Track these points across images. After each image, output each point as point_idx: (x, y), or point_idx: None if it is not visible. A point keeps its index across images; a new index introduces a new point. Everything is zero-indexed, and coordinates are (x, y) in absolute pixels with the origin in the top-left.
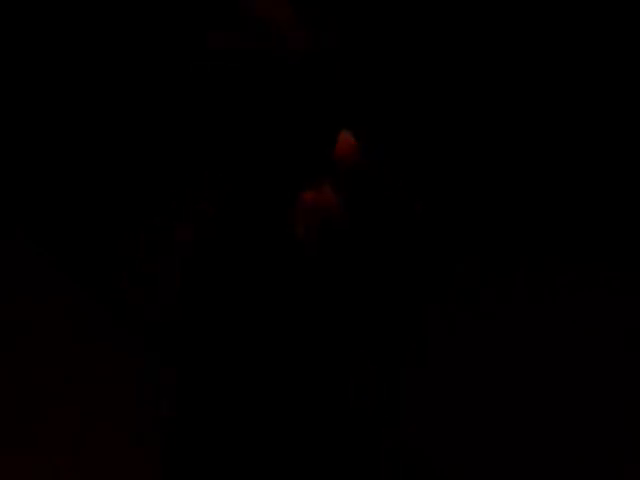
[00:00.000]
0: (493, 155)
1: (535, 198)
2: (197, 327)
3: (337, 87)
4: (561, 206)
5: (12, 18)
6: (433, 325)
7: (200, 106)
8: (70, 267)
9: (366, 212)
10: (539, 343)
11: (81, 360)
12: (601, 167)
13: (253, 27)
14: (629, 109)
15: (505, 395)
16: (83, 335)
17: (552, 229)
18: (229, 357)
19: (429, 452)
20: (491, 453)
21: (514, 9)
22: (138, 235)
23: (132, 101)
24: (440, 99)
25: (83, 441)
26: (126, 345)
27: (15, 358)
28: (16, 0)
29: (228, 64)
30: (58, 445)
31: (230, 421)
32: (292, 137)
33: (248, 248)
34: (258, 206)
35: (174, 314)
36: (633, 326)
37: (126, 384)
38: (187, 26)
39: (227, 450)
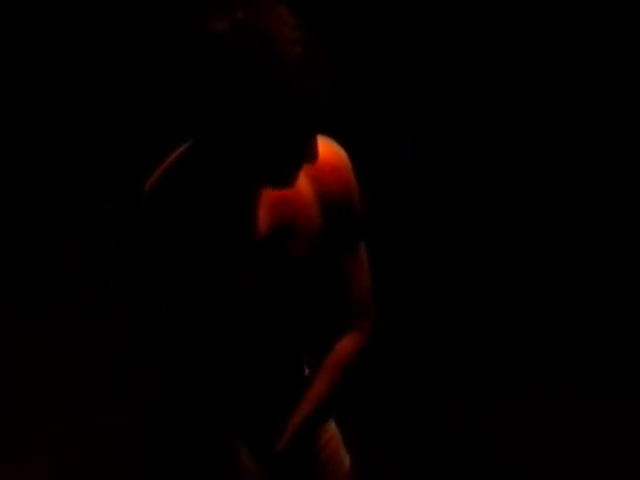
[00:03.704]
0: (494, 155)
1: (535, 198)
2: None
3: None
4: (562, 206)
5: None
6: (435, 324)
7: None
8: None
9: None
10: (537, 341)
11: (80, 360)
12: (601, 167)
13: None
14: (629, 109)
15: (503, 394)
16: (81, 336)
17: (552, 229)
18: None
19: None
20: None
21: (514, 9)
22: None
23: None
24: (441, 98)
25: (82, 441)
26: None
27: (15, 358)
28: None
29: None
30: (57, 445)
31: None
32: (269, 133)
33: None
34: (220, 191)
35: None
36: (632, 326)
37: (126, 383)
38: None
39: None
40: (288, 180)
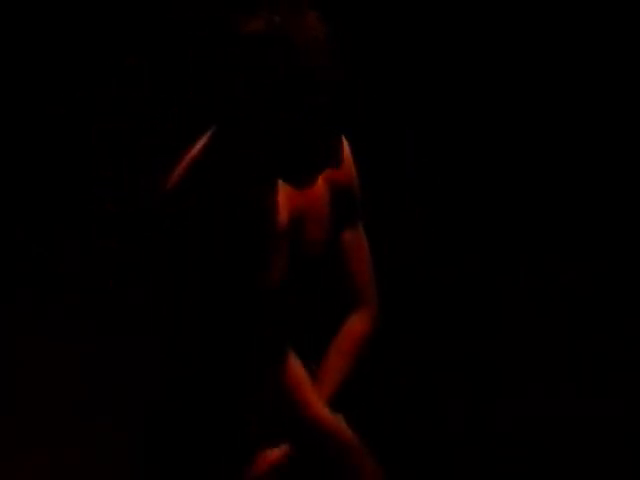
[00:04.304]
0: (494, 155)
1: (535, 198)
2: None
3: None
4: (562, 206)
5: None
6: (435, 324)
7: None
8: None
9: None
10: (537, 341)
11: (80, 360)
12: (601, 167)
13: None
14: (629, 109)
15: (503, 394)
16: (83, 335)
17: (552, 229)
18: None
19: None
20: None
21: (514, 9)
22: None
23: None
24: (441, 98)
25: (82, 441)
26: (126, 345)
27: (15, 358)
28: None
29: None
30: (58, 445)
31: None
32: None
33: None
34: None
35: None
36: (632, 326)
37: (126, 383)
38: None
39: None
40: (309, 182)
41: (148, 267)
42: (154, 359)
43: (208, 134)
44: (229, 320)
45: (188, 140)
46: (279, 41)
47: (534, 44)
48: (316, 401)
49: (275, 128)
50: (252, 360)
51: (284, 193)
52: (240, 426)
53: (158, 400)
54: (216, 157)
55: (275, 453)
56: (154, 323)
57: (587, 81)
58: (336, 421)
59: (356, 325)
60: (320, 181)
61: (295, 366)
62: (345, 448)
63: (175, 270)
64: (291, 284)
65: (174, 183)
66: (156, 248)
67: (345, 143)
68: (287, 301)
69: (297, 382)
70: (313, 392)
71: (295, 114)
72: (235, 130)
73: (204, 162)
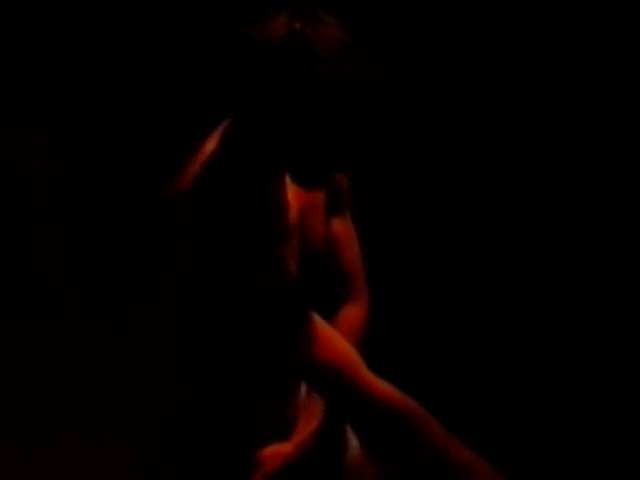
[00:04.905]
0: (492, 156)
1: (536, 198)
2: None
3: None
4: (562, 207)
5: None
6: (434, 323)
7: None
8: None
9: None
10: (537, 341)
11: (89, 370)
12: (600, 168)
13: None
14: (630, 112)
15: (503, 395)
16: (90, 345)
17: (552, 229)
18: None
19: None
20: None
21: (513, 10)
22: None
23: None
24: (440, 99)
25: (82, 443)
26: (131, 354)
27: (24, 369)
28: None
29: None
30: (57, 446)
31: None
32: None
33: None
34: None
35: None
36: (632, 325)
37: (133, 392)
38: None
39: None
40: (320, 185)
41: (160, 264)
42: (159, 359)
43: (218, 133)
44: (244, 319)
45: (195, 139)
46: (300, 47)
47: (533, 51)
48: (370, 375)
49: (292, 133)
50: (270, 355)
51: (290, 189)
52: (253, 423)
53: (165, 400)
54: (231, 158)
55: (287, 448)
56: (164, 323)
57: (585, 89)
58: (396, 391)
59: (352, 313)
60: None
61: (339, 344)
62: (412, 416)
63: (188, 269)
64: (300, 277)
65: (189, 182)
66: (170, 247)
67: None
68: (301, 293)
69: (345, 362)
70: (365, 367)
71: (313, 120)
72: (251, 132)
73: (218, 162)
